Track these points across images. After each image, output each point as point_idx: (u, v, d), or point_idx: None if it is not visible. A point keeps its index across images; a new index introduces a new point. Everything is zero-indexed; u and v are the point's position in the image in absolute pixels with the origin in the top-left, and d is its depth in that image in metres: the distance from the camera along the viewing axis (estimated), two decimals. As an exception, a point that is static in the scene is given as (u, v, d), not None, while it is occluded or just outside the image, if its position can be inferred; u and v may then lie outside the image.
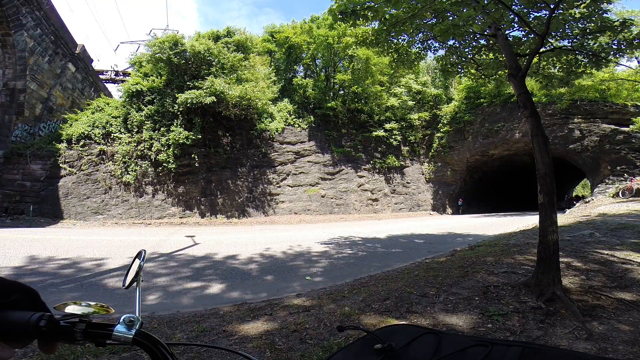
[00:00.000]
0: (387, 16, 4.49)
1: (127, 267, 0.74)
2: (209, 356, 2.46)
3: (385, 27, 4.73)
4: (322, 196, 21.28)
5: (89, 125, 17.32)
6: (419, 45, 5.43)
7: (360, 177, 22.99)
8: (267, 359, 2.41)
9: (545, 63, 5.22)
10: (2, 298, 0.51)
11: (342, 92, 24.09)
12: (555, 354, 0.70)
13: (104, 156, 17.13)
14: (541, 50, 4.22)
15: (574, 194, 41.39)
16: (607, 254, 5.08)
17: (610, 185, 18.23)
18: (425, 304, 3.43)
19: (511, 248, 6.18)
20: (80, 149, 16.85)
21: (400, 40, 5.31)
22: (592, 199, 17.46)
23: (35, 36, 17.03)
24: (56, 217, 15.73)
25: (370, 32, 5.33)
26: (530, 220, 12.55)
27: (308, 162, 21.72)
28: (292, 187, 20.84)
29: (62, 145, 16.64)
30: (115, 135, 17.36)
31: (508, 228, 11.46)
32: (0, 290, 0.51)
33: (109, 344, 0.56)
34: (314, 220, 19.21)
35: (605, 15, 3.87)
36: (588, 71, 5.11)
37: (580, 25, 4.08)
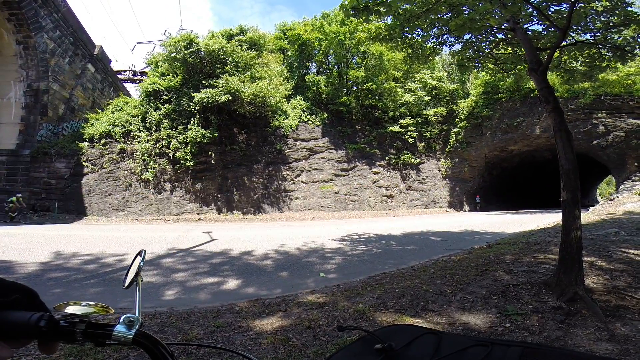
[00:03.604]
0: (400, 11, 4.42)
1: (127, 267, 0.73)
2: (224, 351, 2.51)
3: (399, 23, 4.66)
4: (336, 192, 21.26)
5: (110, 125, 17.85)
6: (434, 40, 5.33)
7: (375, 173, 22.82)
8: (281, 355, 2.45)
9: (567, 57, 5.04)
10: (1, 298, 0.50)
11: (356, 88, 23.91)
12: (555, 354, 0.69)
13: (124, 154, 17.63)
14: (563, 44, 4.08)
15: (598, 191, 39.82)
16: (633, 254, 4.90)
17: (637, 182, 17.50)
18: (441, 302, 3.39)
19: (531, 246, 6.04)
20: (102, 147, 17.40)
21: (414, 35, 5.22)
22: (617, 197, 16.82)
23: (55, 38, 17.60)
24: (80, 213, 16.33)
25: (383, 28, 5.26)
26: (552, 218, 12.19)
27: (322, 158, 21.72)
28: (306, 183, 20.90)
29: (85, 144, 17.23)
30: (134, 133, 17.83)
31: (528, 226, 11.18)
32: (0, 290, 0.51)
33: (108, 344, 0.56)
34: (328, 216, 19.22)
35: (629, 8, 3.70)
36: (612, 65, 4.91)
37: (602, 19, 3.91)
